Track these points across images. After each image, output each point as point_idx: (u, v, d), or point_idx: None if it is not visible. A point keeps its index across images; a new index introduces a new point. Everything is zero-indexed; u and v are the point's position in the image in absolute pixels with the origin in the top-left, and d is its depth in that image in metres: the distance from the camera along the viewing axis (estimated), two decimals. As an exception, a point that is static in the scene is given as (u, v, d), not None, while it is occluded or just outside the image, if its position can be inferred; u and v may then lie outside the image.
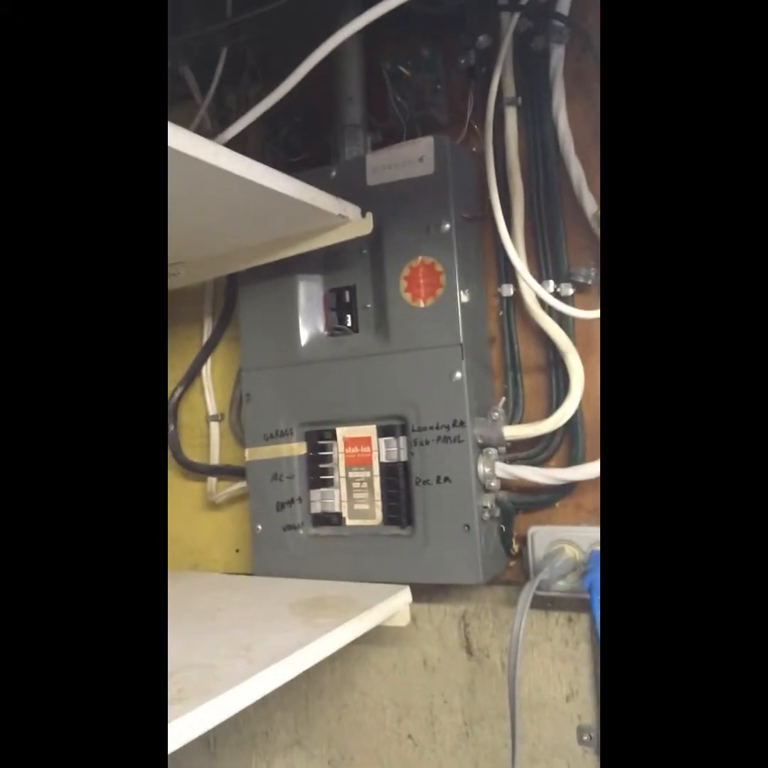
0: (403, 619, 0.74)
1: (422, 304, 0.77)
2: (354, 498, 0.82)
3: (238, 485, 0.93)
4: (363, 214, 0.75)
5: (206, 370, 0.98)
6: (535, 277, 0.77)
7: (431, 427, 0.76)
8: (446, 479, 0.75)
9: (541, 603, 0.81)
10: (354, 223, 0.74)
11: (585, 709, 0.81)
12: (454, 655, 0.88)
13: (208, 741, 1.04)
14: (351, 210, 0.73)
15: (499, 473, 0.75)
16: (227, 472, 0.95)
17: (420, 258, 0.77)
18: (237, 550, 0.96)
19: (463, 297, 0.76)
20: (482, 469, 0.75)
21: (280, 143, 0.91)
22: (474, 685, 0.87)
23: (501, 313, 0.81)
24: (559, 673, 0.82)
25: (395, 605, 0.73)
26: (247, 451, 0.87)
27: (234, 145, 0.94)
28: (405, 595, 0.75)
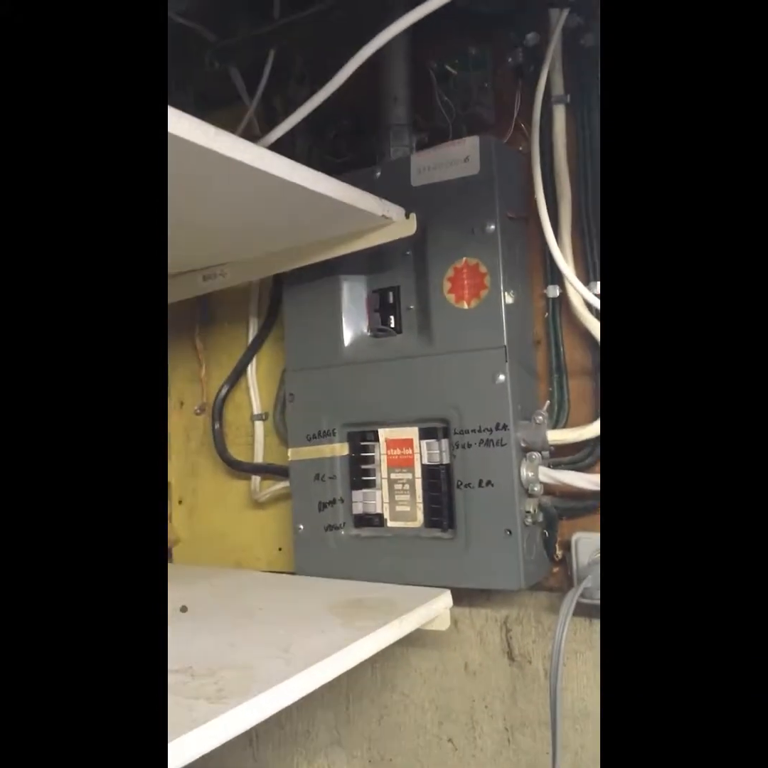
0: (443, 623, 0.73)
1: (466, 306, 0.76)
2: (396, 500, 0.82)
3: (281, 484, 0.93)
4: (407, 215, 0.74)
5: (251, 370, 0.99)
6: (582, 279, 0.76)
7: (474, 430, 0.75)
8: (489, 483, 0.74)
9: (585, 611, 0.79)
10: (397, 224, 0.73)
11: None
12: (495, 660, 0.87)
13: (250, 737, 1.05)
14: (394, 211, 0.73)
15: (542, 478, 0.74)
16: (271, 471, 0.96)
17: (464, 259, 0.76)
18: (280, 549, 0.97)
19: (508, 298, 0.76)
20: (525, 473, 0.74)
21: (327, 146, 0.91)
22: (515, 691, 0.86)
23: (547, 314, 0.80)
24: (603, 682, 0.80)
25: (435, 609, 0.72)
26: (289, 451, 0.87)
27: (281, 148, 0.96)
28: (445, 599, 0.75)
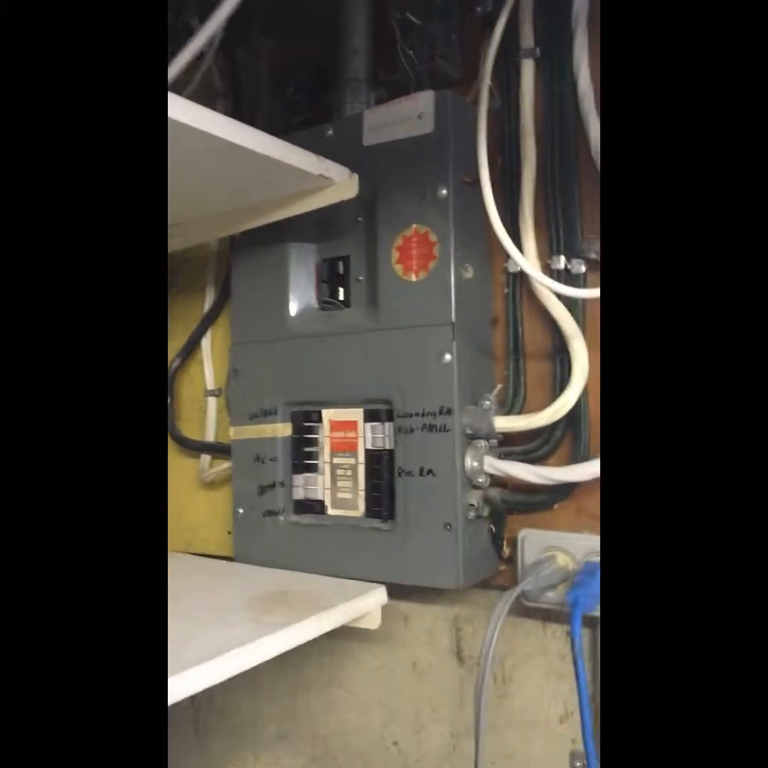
0: (372, 622, 0.68)
1: (414, 278, 0.70)
2: (338, 486, 0.76)
3: (227, 465, 0.88)
4: (350, 175, 0.68)
5: (206, 342, 0.93)
6: (544, 251, 0.69)
7: (417, 414, 0.69)
8: (430, 472, 0.68)
9: (538, 613, 0.73)
10: (339, 185, 0.67)
11: (580, 732, 0.73)
12: (444, 660, 0.81)
13: (196, 727, 1.00)
14: (335, 170, 0.66)
15: (487, 468, 0.68)
16: (219, 450, 0.91)
17: (414, 227, 0.70)
18: (229, 532, 0.92)
19: (466, 273, 0.69)
20: (469, 462, 0.68)
21: (286, 102, 0.85)
22: (464, 694, 0.80)
23: (507, 290, 0.73)
24: (554, 691, 0.74)
25: (364, 606, 0.66)
26: (231, 429, 0.82)
27: (244, 107, 0.91)
28: (378, 595, 0.69)
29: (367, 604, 0.67)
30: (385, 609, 0.70)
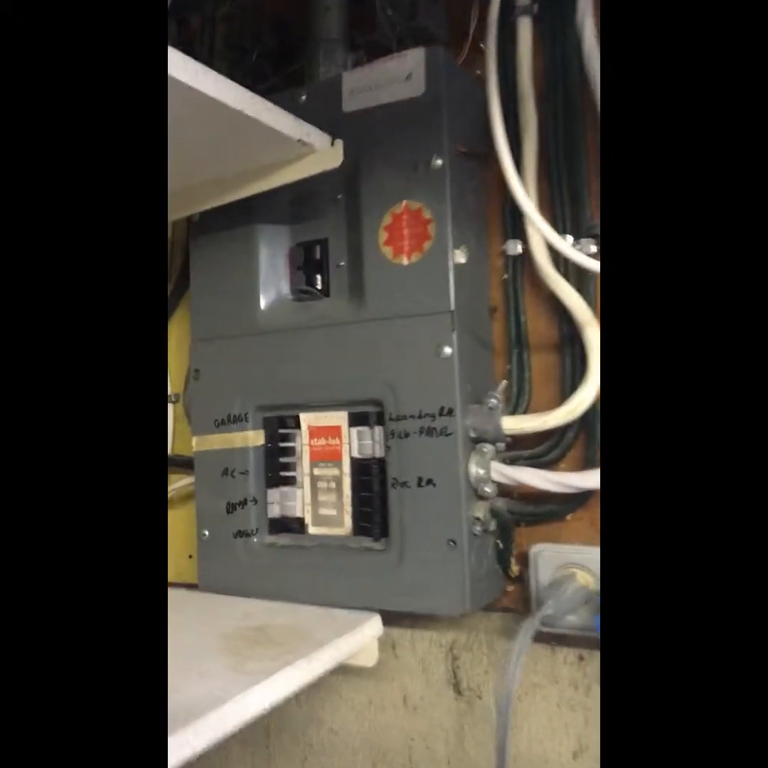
0: (369, 658, 0.59)
1: (406, 261, 0.61)
2: (319, 501, 0.67)
3: (188, 480, 0.78)
4: (332, 143, 0.59)
5: (160, 342, 0.83)
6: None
7: (412, 416, 0.60)
8: (429, 482, 0.60)
9: (547, 637, 0.65)
10: (320, 153, 0.58)
11: (596, 769, 0.65)
12: (439, 693, 0.73)
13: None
14: (316, 136, 0.58)
15: (495, 476, 0.59)
16: (178, 464, 0.80)
17: (404, 203, 0.61)
18: (190, 556, 0.81)
19: (459, 256, 0.61)
20: (474, 470, 0.60)
21: (248, 70, 0.75)
22: (462, 730, 0.71)
23: (506, 276, 0.65)
24: (566, 723, 0.66)
25: (359, 640, 0.57)
26: (194, 439, 0.72)
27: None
28: (373, 625, 0.60)
29: (362, 638, 0.58)
30: (370, 636, 0.62)
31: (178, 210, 0.69)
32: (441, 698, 0.72)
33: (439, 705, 0.72)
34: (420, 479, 0.60)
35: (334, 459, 0.66)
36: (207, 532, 0.70)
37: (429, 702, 0.73)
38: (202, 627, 0.59)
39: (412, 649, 0.73)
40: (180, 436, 0.82)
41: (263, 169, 0.60)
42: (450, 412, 0.59)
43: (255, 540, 0.69)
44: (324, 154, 0.58)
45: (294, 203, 0.68)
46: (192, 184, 0.67)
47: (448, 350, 0.59)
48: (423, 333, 0.60)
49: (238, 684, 0.47)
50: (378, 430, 0.64)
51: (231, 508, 0.69)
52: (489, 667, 0.70)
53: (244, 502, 0.69)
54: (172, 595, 0.73)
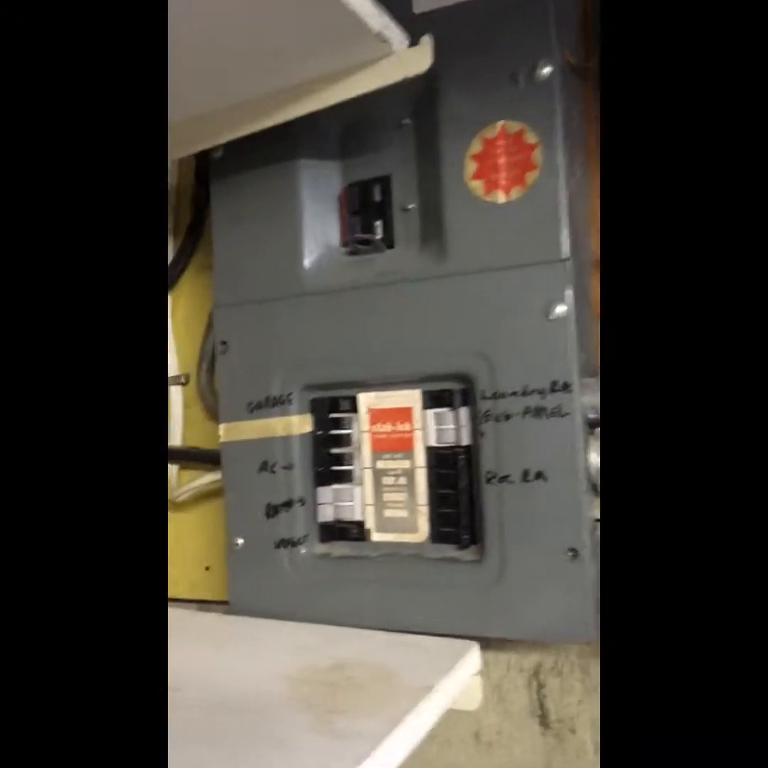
0: (472, 701, 0.46)
1: (503, 198, 0.48)
2: (384, 501, 0.54)
3: (209, 477, 0.64)
4: (412, 43, 0.46)
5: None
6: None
7: (515, 393, 0.48)
8: (539, 475, 0.47)
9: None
10: (400, 55, 0.45)
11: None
12: (521, 726, 0.61)
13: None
14: (395, 32, 0.44)
15: (623, 467, 0.47)
16: (194, 458, 0.67)
17: (500, 124, 0.49)
18: (207, 568, 0.68)
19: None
20: (595, 459, 0.47)
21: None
22: (551, 770, 0.59)
23: (615, 220, 0.53)
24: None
25: (461, 681, 0.45)
26: (221, 427, 0.58)
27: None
28: (472, 660, 0.47)
29: (463, 676, 0.45)
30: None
31: (191, 142, 0.55)
32: (523, 733, 0.60)
33: (521, 741, 0.61)
34: (526, 472, 0.48)
35: (403, 449, 0.54)
36: (240, 541, 0.57)
37: (508, 738, 0.61)
38: (251, 666, 0.46)
39: (486, 675, 0.61)
40: (191, 424, 0.69)
41: (321, 78, 0.47)
42: (565, 387, 0.47)
43: (303, 550, 0.55)
44: (406, 55, 0.45)
45: (345, 133, 0.55)
46: (215, 108, 0.53)
47: (561, 309, 0.47)
48: (528, 288, 0.48)
49: (337, 757, 0.34)
50: (463, 412, 0.51)
51: (272, 511, 0.56)
52: (583, 695, 0.58)
53: (288, 504, 0.56)
54: (193, 619, 0.59)
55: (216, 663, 0.48)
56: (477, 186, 0.49)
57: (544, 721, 0.60)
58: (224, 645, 0.51)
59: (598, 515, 0.47)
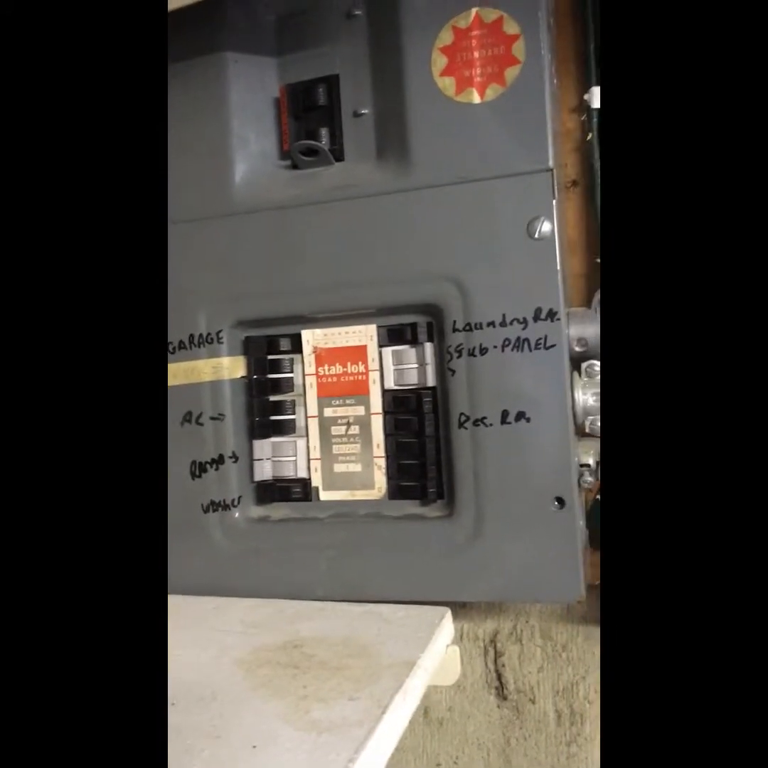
0: (450, 675, 0.40)
1: (477, 98, 0.42)
2: (334, 454, 0.47)
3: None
4: None
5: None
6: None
7: (492, 324, 0.42)
8: (521, 416, 0.42)
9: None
10: None
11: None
12: (476, 699, 0.56)
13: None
14: None
15: (613, 405, 0.42)
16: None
17: (475, 12, 0.42)
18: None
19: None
20: (581, 397, 0.42)
21: None
22: (509, 746, 0.55)
23: (590, 136, 0.48)
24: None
25: (439, 653, 0.39)
26: (135, 373, 0.49)
27: None
28: (447, 629, 0.41)
29: (440, 648, 0.39)
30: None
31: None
32: (478, 706, 0.55)
33: (476, 716, 0.55)
34: (505, 413, 0.42)
35: (356, 393, 0.46)
36: (160, 507, 0.48)
37: (461, 712, 0.56)
38: (193, 651, 0.38)
39: (437, 647, 0.55)
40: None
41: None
42: (551, 315, 0.41)
43: (237, 514, 0.47)
44: None
45: (283, 24, 0.47)
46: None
47: (547, 227, 0.41)
48: (509, 202, 0.41)
49: (322, 750, 0.27)
50: (428, 348, 0.44)
51: (198, 469, 0.48)
52: (544, 663, 0.54)
53: (218, 461, 0.47)
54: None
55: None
56: (447, 84, 0.42)
57: (500, 692, 0.55)
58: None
59: (585, 460, 0.42)
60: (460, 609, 0.55)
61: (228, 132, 0.47)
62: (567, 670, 0.53)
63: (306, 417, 0.48)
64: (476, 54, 0.42)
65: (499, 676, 0.55)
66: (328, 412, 0.47)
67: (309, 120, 0.47)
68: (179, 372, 0.48)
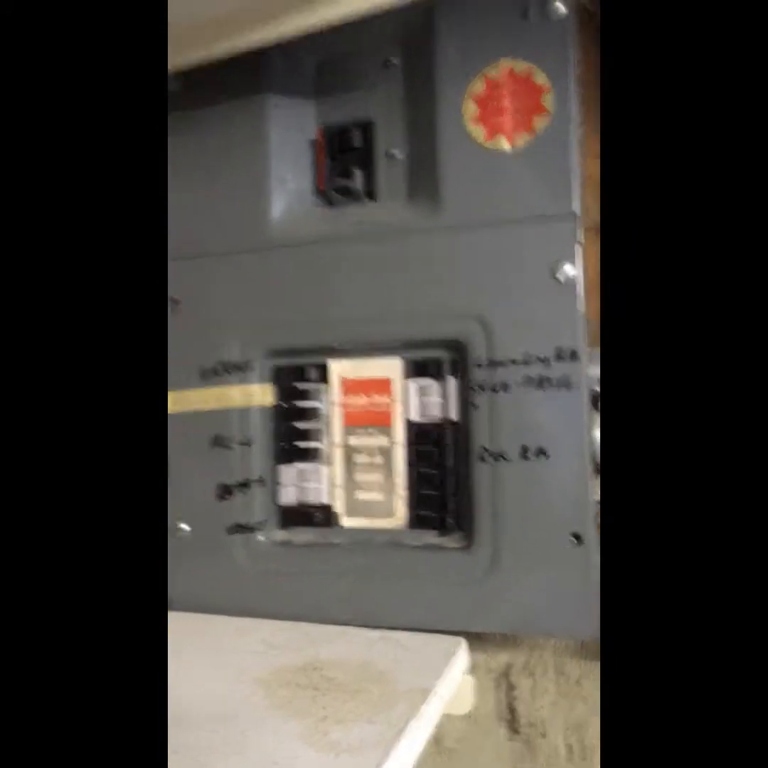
0: (463, 705, 0.41)
1: (507, 145, 0.44)
2: (357, 481, 0.49)
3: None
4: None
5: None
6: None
7: (515, 362, 0.43)
8: (541, 452, 0.43)
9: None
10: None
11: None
12: (487, 731, 0.56)
13: None
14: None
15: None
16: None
17: (506, 63, 0.44)
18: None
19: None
20: (599, 436, 0.43)
21: None
22: (520, 780, 0.55)
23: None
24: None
25: (454, 682, 0.40)
26: (170, 397, 0.51)
27: None
28: (462, 658, 0.42)
29: (456, 676, 0.40)
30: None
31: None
32: (488, 739, 0.56)
33: (487, 748, 0.56)
34: (525, 449, 0.43)
35: (380, 424, 0.48)
36: (186, 527, 0.50)
37: (473, 744, 0.56)
38: (214, 669, 0.39)
39: (451, 677, 0.56)
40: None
41: (291, 3, 0.41)
42: (573, 355, 0.42)
43: (260, 537, 0.49)
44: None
45: (322, 69, 0.49)
46: (170, 24, 0.46)
47: (570, 270, 0.42)
48: (533, 245, 0.43)
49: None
50: (451, 382, 0.46)
51: (225, 492, 0.49)
52: (558, 698, 0.54)
53: (244, 484, 0.49)
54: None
55: (178, 658, 0.41)
56: (478, 131, 0.44)
57: (512, 726, 0.55)
58: (176, 645, 0.44)
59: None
60: (474, 640, 0.56)
61: (267, 171, 0.49)
62: (579, 706, 0.53)
63: (331, 445, 0.49)
64: (506, 103, 0.44)
65: (512, 710, 0.55)
66: (353, 440, 0.49)
67: (344, 160, 0.49)
68: (211, 397, 0.49)
